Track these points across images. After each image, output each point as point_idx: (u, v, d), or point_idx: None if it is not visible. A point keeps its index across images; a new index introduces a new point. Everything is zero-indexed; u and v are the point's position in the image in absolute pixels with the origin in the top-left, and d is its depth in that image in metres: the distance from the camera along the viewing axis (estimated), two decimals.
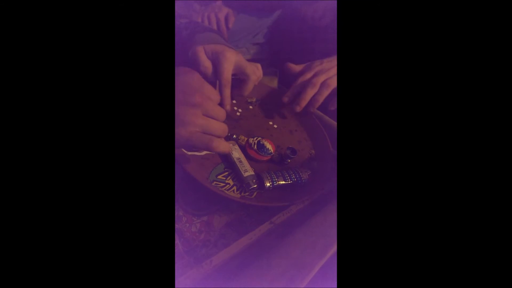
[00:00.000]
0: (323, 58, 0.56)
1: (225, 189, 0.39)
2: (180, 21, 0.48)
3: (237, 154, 0.42)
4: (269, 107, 0.54)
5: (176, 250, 0.35)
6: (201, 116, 0.31)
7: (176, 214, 0.38)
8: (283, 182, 0.41)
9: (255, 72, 0.46)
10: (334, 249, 0.32)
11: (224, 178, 0.40)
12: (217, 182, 0.39)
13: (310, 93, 0.49)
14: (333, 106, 0.52)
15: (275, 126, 0.52)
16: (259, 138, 0.45)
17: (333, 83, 0.49)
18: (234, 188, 0.40)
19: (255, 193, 0.40)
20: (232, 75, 0.45)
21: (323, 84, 0.49)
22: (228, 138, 0.45)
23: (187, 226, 0.38)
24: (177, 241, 0.36)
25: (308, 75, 0.51)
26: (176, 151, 0.38)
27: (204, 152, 0.41)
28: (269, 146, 0.45)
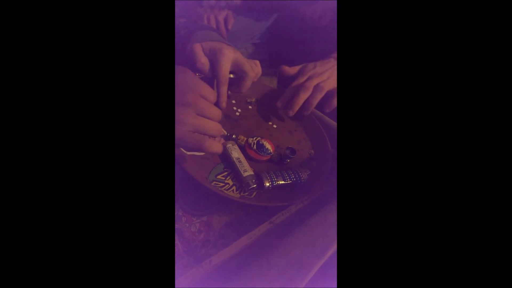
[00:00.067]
0: (323, 58, 0.56)
1: (224, 189, 0.39)
2: (179, 21, 0.48)
3: (236, 154, 0.42)
4: (268, 107, 0.54)
5: (175, 250, 0.35)
6: (194, 115, 0.30)
7: (175, 214, 0.38)
8: (283, 182, 0.41)
9: (253, 68, 0.46)
10: (333, 249, 0.32)
11: (224, 178, 0.40)
12: (217, 182, 0.39)
13: (303, 97, 0.49)
14: (329, 109, 0.52)
15: (275, 126, 0.52)
16: (259, 138, 0.45)
17: (327, 86, 0.49)
18: (234, 188, 0.40)
19: (254, 193, 0.40)
20: (230, 72, 0.45)
21: (316, 88, 0.49)
22: (227, 138, 0.45)
23: (186, 226, 0.38)
24: (176, 241, 0.36)
25: (301, 79, 0.51)
26: (175, 151, 0.38)
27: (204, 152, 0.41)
28: (268, 146, 0.45)
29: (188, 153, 0.40)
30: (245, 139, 0.45)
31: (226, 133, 0.46)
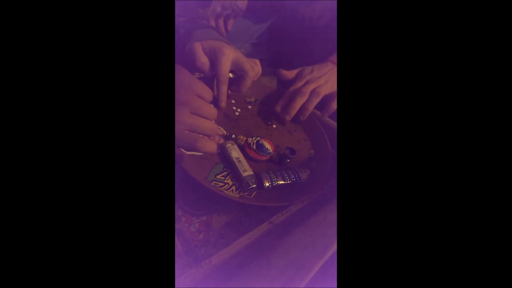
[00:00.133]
0: (322, 60, 0.56)
1: (224, 189, 0.39)
2: (178, 20, 0.48)
3: (236, 153, 0.42)
4: (268, 107, 0.54)
5: (175, 250, 0.35)
6: (188, 114, 0.30)
7: (175, 214, 0.38)
8: (282, 182, 0.41)
9: (253, 68, 0.46)
10: (333, 249, 0.32)
11: (223, 178, 0.40)
12: (216, 182, 0.39)
13: (299, 102, 0.50)
14: (327, 113, 0.52)
15: (274, 126, 0.52)
16: (258, 138, 0.45)
17: (323, 91, 0.50)
18: (233, 188, 0.39)
19: (254, 193, 0.40)
20: (230, 71, 0.45)
21: (313, 93, 0.50)
22: (227, 138, 0.45)
23: (186, 226, 0.37)
24: (176, 241, 0.36)
25: (298, 84, 0.52)
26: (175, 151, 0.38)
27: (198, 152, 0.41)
28: (268, 146, 0.45)
29: (188, 152, 0.39)
30: (245, 139, 0.45)
31: (225, 132, 0.46)
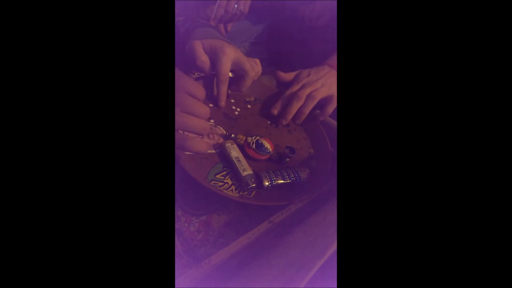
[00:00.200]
0: (320, 62, 0.56)
1: (223, 189, 0.39)
2: (177, 19, 0.48)
3: (235, 153, 0.42)
4: (267, 106, 0.54)
5: (175, 250, 0.35)
6: (179, 113, 0.29)
7: (175, 214, 0.38)
8: (282, 181, 0.41)
9: (253, 67, 0.46)
10: (333, 248, 0.32)
11: (223, 177, 0.40)
12: (216, 182, 0.39)
13: (295, 106, 0.50)
14: (323, 116, 0.52)
15: (274, 125, 0.52)
16: (258, 137, 0.45)
17: (319, 94, 0.50)
18: (233, 187, 0.39)
19: (253, 192, 0.40)
20: (230, 71, 0.45)
21: (309, 97, 0.50)
22: (226, 137, 0.45)
23: (186, 226, 0.37)
24: (176, 241, 0.36)
25: (295, 88, 0.52)
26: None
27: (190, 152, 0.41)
28: (267, 145, 0.44)
29: (187, 152, 0.39)
30: (244, 138, 0.45)
31: (224, 132, 0.46)
